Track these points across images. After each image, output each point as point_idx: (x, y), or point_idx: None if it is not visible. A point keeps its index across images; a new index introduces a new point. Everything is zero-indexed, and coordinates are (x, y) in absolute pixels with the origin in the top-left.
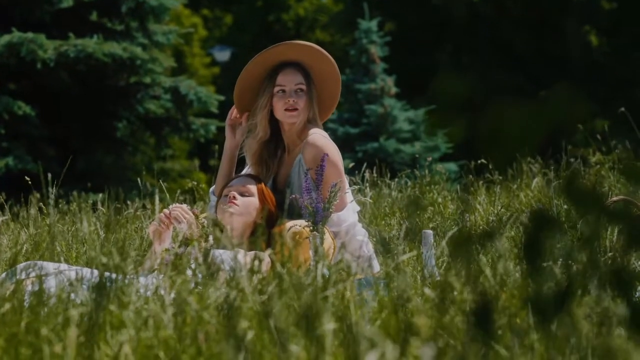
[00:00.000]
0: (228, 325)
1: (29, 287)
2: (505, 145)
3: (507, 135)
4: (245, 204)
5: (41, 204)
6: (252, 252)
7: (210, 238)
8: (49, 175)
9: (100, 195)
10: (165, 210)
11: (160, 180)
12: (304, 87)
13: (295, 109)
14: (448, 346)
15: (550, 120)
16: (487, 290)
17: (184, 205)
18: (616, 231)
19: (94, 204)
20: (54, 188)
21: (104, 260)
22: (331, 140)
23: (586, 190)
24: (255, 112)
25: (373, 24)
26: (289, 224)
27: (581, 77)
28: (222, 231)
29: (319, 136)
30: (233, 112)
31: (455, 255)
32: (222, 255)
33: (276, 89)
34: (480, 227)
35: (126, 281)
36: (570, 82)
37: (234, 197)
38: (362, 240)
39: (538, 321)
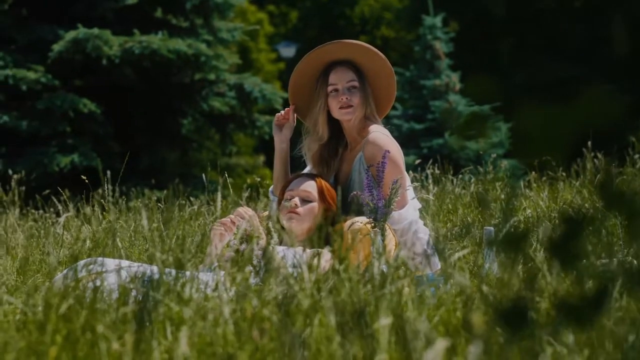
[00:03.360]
0: (285, 322)
1: (90, 284)
2: (538, 147)
3: (537, 137)
4: (306, 211)
5: (103, 200)
6: (315, 250)
7: (275, 235)
8: (111, 171)
9: (165, 191)
10: (231, 216)
11: (225, 176)
12: (356, 83)
13: (350, 106)
14: (506, 343)
15: (584, 122)
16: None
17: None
18: None
19: (158, 200)
20: (116, 185)
21: (163, 257)
22: (392, 138)
23: (620, 192)
24: (312, 115)
25: (437, 20)
26: (350, 221)
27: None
28: (283, 229)
29: (379, 134)
30: (281, 114)
31: (505, 252)
32: (284, 252)
33: (329, 88)
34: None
35: (186, 277)
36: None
37: (296, 205)
38: (423, 237)
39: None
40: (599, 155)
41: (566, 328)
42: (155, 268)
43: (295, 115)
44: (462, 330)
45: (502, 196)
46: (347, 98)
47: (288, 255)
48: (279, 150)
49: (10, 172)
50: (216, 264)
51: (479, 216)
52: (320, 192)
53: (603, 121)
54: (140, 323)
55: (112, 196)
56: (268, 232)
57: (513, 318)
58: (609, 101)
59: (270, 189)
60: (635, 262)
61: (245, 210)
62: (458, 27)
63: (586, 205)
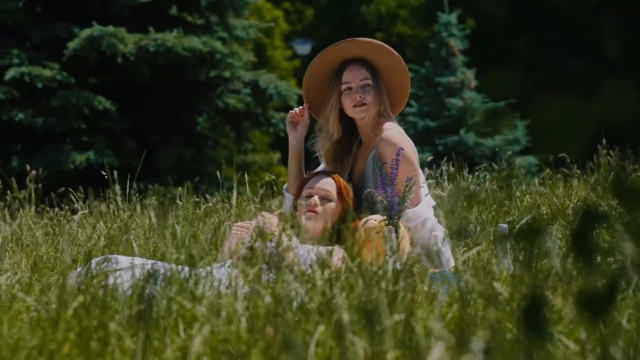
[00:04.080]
0: (298, 319)
1: (104, 282)
2: (556, 143)
3: (555, 134)
4: (325, 211)
5: (117, 199)
6: (329, 247)
7: (289, 233)
8: (127, 169)
9: (180, 189)
10: (252, 221)
11: (241, 173)
12: (370, 82)
13: (364, 104)
14: (517, 340)
15: (601, 118)
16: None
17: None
18: None
19: (173, 198)
20: (133, 182)
21: (175, 254)
22: (406, 135)
23: (634, 188)
24: (326, 113)
25: (453, 17)
26: (365, 218)
27: None
28: (294, 227)
29: (393, 132)
30: (295, 111)
31: (521, 247)
32: (297, 249)
33: (343, 86)
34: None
35: (199, 275)
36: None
37: (316, 205)
38: (438, 235)
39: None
40: (612, 153)
41: (579, 324)
42: (167, 265)
43: (309, 113)
44: (474, 328)
45: (517, 193)
46: (360, 96)
47: (301, 252)
48: (294, 148)
49: (28, 167)
50: (229, 261)
51: (494, 214)
52: (339, 191)
53: (620, 117)
54: (155, 321)
55: (127, 193)
56: (283, 230)
57: (527, 315)
58: (625, 97)
59: (285, 186)
60: None
61: (268, 215)
62: (473, 24)
63: (600, 202)
